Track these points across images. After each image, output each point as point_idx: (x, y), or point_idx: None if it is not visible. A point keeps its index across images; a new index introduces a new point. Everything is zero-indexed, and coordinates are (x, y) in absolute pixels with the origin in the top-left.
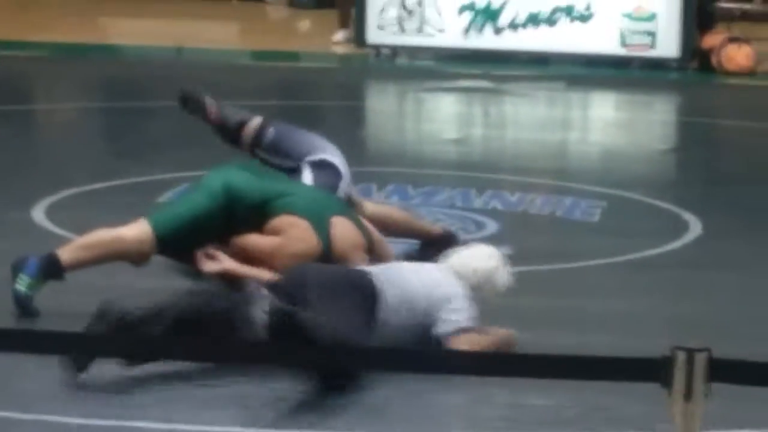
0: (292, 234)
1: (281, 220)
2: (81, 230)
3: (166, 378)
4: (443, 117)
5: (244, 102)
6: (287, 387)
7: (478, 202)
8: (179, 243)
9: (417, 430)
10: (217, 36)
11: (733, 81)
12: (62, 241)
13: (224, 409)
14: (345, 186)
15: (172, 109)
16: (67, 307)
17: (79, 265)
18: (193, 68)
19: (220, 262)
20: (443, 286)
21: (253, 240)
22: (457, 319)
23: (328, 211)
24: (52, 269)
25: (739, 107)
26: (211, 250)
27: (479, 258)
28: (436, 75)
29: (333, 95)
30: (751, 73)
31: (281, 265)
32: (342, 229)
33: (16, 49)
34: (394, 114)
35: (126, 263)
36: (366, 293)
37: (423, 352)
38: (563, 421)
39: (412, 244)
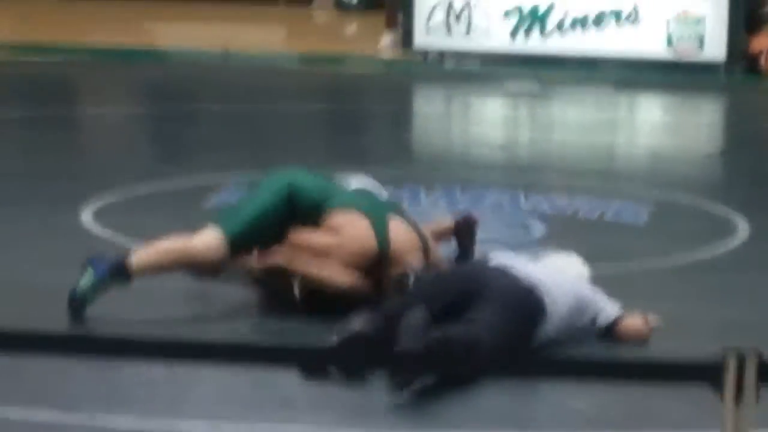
0: (350, 232)
1: (340, 217)
2: (129, 233)
3: (211, 379)
4: (490, 120)
5: (290, 105)
6: (332, 387)
7: (525, 205)
8: (249, 244)
9: (463, 428)
10: (264, 40)
11: None
12: (110, 243)
13: (270, 409)
14: None
15: (218, 113)
16: (115, 310)
17: (150, 272)
18: (239, 72)
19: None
20: (583, 287)
21: (312, 237)
22: (613, 309)
23: (387, 211)
24: (120, 275)
25: None
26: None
27: (579, 264)
28: (484, 78)
29: (380, 99)
30: None
31: (337, 263)
32: (400, 230)
33: (62, 53)
34: (441, 118)
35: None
36: (534, 310)
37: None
38: (609, 422)
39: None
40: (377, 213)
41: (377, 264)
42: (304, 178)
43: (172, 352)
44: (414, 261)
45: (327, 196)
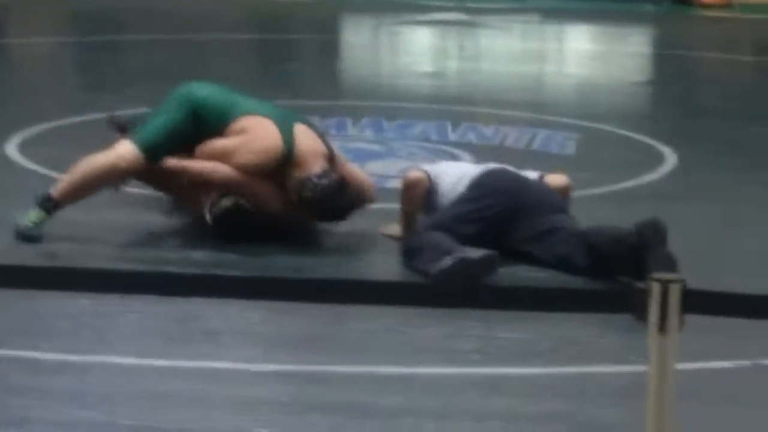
0: (256, 132)
1: (245, 120)
2: (54, 164)
3: (136, 313)
4: (418, 50)
5: (218, 34)
6: (261, 322)
7: (453, 136)
8: (162, 155)
9: (393, 363)
10: None
11: (708, 13)
12: (36, 175)
13: (196, 344)
14: None
15: (146, 43)
16: (49, 245)
17: (73, 196)
18: (168, 2)
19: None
20: None
21: (217, 142)
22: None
23: (292, 118)
24: (46, 203)
25: (715, 39)
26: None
27: None
28: (411, 8)
29: (307, 29)
30: (726, 5)
31: (242, 162)
32: (305, 135)
33: None
34: (368, 47)
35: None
36: None
37: (400, 285)
38: (536, 354)
39: None
40: (283, 117)
41: (281, 166)
42: (206, 90)
43: (106, 283)
44: (317, 166)
45: (230, 102)
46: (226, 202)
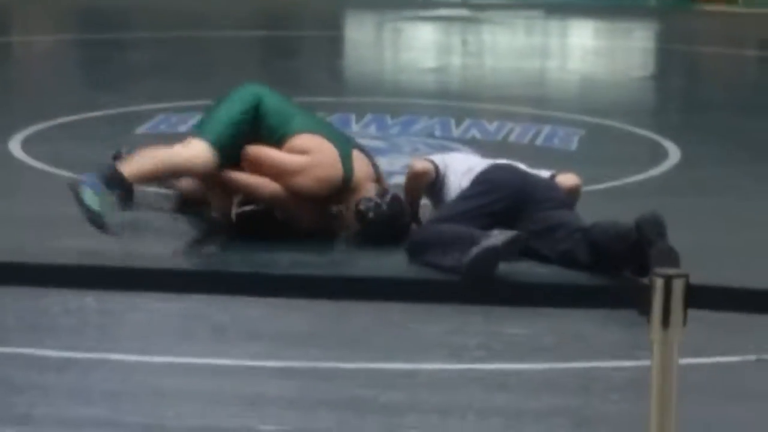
0: (321, 158)
1: (307, 139)
2: (59, 162)
3: (140, 310)
4: (421, 46)
5: (222, 32)
6: (264, 319)
7: (456, 131)
8: (232, 150)
9: (397, 359)
10: None
11: (712, 8)
12: (39, 172)
13: (199, 341)
14: None
15: (149, 41)
16: (54, 241)
17: (144, 181)
18: (172, 0)
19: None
20: None
21: (276, 155)
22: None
23: (351, 143)
24: (119, 185)
25: (718, 34)
26: None
27: None
28: (415, 4)
29: (311, 25)
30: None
31: (303, 185)
32: (360, 161)
33: None
34: (372, 44)
35: None
36: None
37: (400, 280)
38: (540, 349)
39: None
40: (344, 143)
41: (338, 192)
42: (273, 97)
43: (115, 280)
44: (370, 189)
45: (291, 116)
46: (259, 205)
